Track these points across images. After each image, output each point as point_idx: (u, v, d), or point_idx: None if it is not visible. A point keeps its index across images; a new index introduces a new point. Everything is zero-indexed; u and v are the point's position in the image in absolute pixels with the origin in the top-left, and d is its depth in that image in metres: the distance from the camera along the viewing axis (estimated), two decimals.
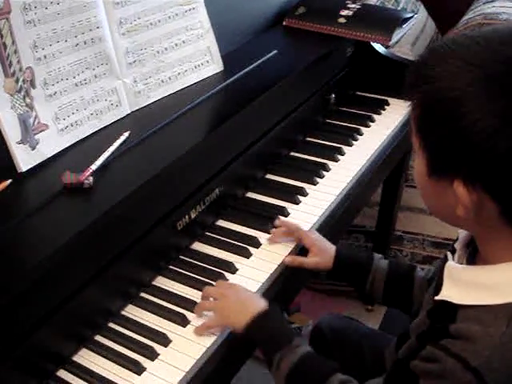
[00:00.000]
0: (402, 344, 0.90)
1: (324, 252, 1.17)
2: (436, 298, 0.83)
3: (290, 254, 1.20)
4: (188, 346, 1.00)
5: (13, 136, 1.07)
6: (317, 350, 1.31)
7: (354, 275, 1.18)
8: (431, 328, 0.83)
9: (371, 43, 1.71)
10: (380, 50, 1.73)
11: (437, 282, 0.87)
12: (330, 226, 1.31)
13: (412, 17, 1.66)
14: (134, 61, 1.28)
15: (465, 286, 0.80)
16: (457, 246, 0.89)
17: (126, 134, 1.17)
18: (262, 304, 1.02)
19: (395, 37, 1.61)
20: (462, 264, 0.85)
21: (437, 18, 2.70)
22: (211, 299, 1.07)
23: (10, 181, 1.05)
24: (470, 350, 0.74)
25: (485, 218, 0.76)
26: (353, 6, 1.66)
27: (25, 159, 1.08)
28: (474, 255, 0.86)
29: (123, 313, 1.07)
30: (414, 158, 0.84)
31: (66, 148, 1.16)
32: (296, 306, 2.16)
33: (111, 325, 1.05)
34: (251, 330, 0.99)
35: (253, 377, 1.89)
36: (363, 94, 1.79)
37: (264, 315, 1.00)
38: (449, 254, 0.89)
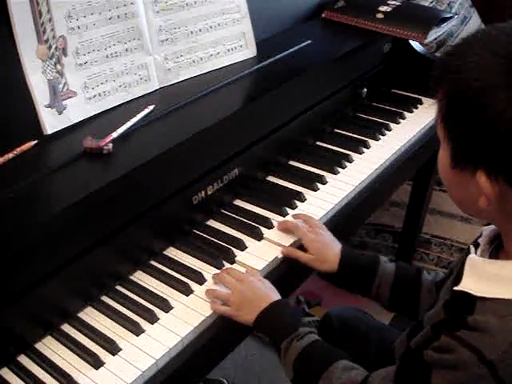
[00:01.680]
0: (415, 334, 0.89)
1: (321, 254, 1.15)
2: (455, 288, 0.83)
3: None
4: (188, 314, 1.04)
5: (41, 100, 1.12)
6: (323, 338, 1.33)
7: (359, 279, 1.15)
8: (448, 318, 0.83)
9: (409, 41, 1.70)
10: (417, 49, 1.73)
11: (457, 274, 0.87)
12: (345, 217, 1.32)
13: (452, 17, 1.65)
14: (167, 39, 1.32)
15: (485, 278, 0.80)
16: (481, 241, 0.89)
17: (151, 108, 1.21)
18: (272, 297, 1.04)
19: (432, 35, 1.60)
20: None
21: None
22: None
23: (35, 142, 1.10)
24: (487, 342, 0.74)
25: (507, 209, 0.76)
26: (393, 2, 1.66)
27: (51, 123, 1.13)
28: (497, 252, 0.86)
29: (131, 277, 1.12)
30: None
31: (93, 116, 1.21)
32: (317, 300, 2.18)
33: (118, 287, 1.10)
34: (260, 323, 1.01)
35: (266, 363, 1.91)
36: (398, 91, 1.78)
37: (271, 308, 1.02)
38: (471, 247, 0.89)
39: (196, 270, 1.12)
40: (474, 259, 0.84)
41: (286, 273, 1.17)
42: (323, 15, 1.73)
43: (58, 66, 1.14)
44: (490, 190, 0.74)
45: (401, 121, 1.64)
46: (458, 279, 0.84)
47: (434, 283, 1.10)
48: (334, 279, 1.18)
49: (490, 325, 0.74)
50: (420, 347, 0.84)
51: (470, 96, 0.73)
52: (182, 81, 1.36)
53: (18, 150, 1.07)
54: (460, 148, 0.77)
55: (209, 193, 1.22)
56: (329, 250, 1.16)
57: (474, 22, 2.67)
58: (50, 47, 1.12)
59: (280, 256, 1.17)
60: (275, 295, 1.05)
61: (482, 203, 0.76)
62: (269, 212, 1.27)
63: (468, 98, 0.74)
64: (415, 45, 1.73)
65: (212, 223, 1.25)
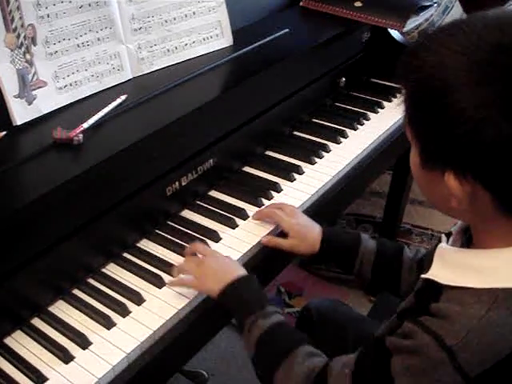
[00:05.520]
0: None
1: (303, 236, 1.15)
2: (422, 276, 0.83)
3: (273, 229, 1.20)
4: (160, 307, 1.02)
5: (10, 90, 1.10)
6: (302, 330, 1.33)
7: (341, 258, 1.16)
8: (414, 306, 0.83)
9: (389, 30, 1.69)
10: (397, 38, 1.71)
11: (429, 263, 0.87)
12: (322, 207, 1.31)
13: (431, 5, 1.64)
14: (140, 27, 1.30)
15: (453, 267, 0.80)
16: (453, 230, 0.88)
17: (123, 97, 1.19)
18: (239, 272, 1.03)
19: (411, 24, 1.59)
20: None
21: None
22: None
23: (4, 133, 1.08)
24: (447, 328, 0.74)
25: (479, 208, 0.75)
26: None
27: (20, 113, 1.11)
28: (468, 242, 0.85)
29: (103, 270, 1.10)
30: None
31: (64, 106, 1.19)
32: (299, 291, 2.17)
33: (90, 280, 1.08)
34: (225, 295, 1.00)
35: (246, 355, 1.90)
36: (377, 80, 1.77)
37: (238, 281, 1.01)
38: (443, 237, 0.88)
39: (169, 262, 1.11)
40: (442, 248, 0.84)
41: (260, 263, 1.16)
42: (301, 3, 1.72)
43: (27, 56, 1.12)
44: (460, 190, 0.73)
45: (379, 110, 1.63)
46: (428, 268, 0.84)
47: (416, 260, 1.11)
48: (317, 261, 1.18)
49: (451, 312, 0.74)
50: (385, 335, 0.84)
51: (431, 95, 0.72)
52: (156, 70, 1.34)
53: None
54: (426, 149, 0.76)
55: (183, 184, 1.21)
56: (310, 231, 1.16)
57: (456, 12, 2.66)
58: (18, 36, 1.10)
59: (254, 247, 1.16)
60: (242, 271, 1.04)
61: (454, 203, 0.75)
62: (244, 203, 1.26)
63: (429, 98, 0.72)
64: (394, 33, 1.72)
65: (186, 214, 1.23)
